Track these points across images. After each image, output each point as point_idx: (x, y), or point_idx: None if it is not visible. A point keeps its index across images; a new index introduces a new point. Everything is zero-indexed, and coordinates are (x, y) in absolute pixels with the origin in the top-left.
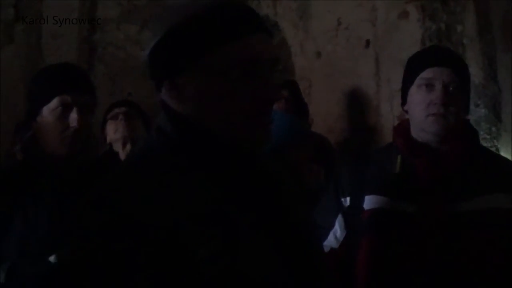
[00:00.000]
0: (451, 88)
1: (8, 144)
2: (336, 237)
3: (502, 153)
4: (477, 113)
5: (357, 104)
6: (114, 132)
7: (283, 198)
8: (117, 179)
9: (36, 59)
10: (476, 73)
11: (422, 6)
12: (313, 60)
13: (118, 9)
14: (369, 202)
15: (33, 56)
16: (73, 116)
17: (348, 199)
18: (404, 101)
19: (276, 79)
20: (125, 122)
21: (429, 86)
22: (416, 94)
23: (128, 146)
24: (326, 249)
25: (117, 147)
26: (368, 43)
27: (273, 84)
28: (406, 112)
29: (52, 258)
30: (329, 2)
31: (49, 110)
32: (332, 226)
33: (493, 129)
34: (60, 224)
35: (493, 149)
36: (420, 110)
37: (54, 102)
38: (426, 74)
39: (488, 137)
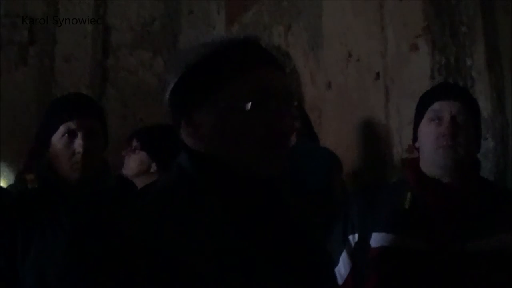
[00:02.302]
0: (459, 120)
1: (21, 166)
2: (340, 274)
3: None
4: (485, 146)
5: (367, 135)
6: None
7: (300, 233)
8: (136, 215)
9: (49, 82)
10: (484, 106)
11: (432, 39)
12: (323, 90)
13: (131, 35)
14: (376, 239)
15: (45, 78)
16: (78, 141)
17: (356, 235)
18: (415, 138)
19: (292, 113)
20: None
21: (438, 119)
22: (426, 128)
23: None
24: None
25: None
26: (378, 75)
27: (287, 117)
28: (417, 149)
29: None
30: (340, 34)
31: (57, 139)
32: (337, 263)
33: (501, 161)
34: (75, 247)
35: (501, 181)
36: (430, 144)
37: (60, 130)
38: (434, 107)
39: (496, 169)
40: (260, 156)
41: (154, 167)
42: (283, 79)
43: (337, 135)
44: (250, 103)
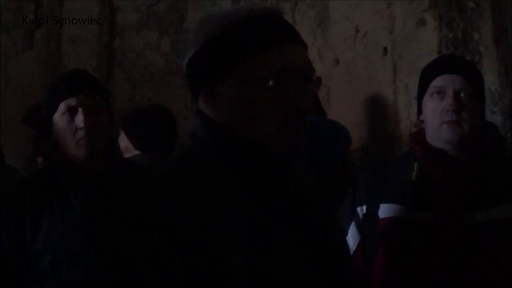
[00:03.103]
0: (462, 95)
1: (30, 150)
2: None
3: None
4: (493, 120)
5: (375, 111)
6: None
7: (313, 206)
8: (153, 186)
9: (56, 65)
10: (492, 80)
11: (439, 14)
12: (331, 67)
13: (137, 16)
14: (384, 210)
15: (53, 61)
16: (79, 117)
17: (364, 207)
18: (420, 111)
19: (311, 89)
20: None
21: (441, 94)
22: (429, 103)
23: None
24: None
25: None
26: (385, 51)
27: (307, 93)
28: (422, 122)
29: None
30: (347, 10)
31: (58, 117)
32: (346, 235)
33: (509, 135)
34: (85, 224)
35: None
36: (434, 119)
37: (61, 108)
38: (437, 82)
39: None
40: (278, 131)
41: (130, 144)
42: (305, 55)
43: (345, 112)
44: (274, 79)
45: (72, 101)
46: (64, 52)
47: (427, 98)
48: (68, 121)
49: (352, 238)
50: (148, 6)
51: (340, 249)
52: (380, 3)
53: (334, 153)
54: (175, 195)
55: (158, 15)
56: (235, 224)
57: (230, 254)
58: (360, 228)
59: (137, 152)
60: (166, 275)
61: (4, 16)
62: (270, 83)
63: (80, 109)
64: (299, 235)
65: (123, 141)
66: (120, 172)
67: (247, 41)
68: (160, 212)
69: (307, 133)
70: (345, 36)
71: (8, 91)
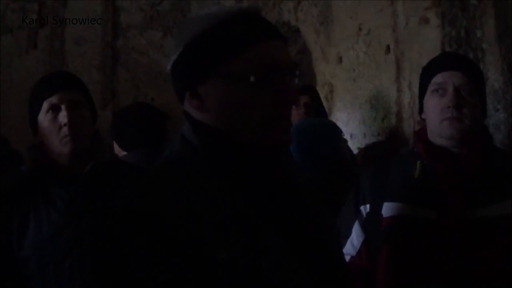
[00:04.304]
0: (463, 91)
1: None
2: (353, 245)
3: None
4: (496, 117)
5: (378, 109)
6: None
7: (304, 202)
8: (143, 185)
9: (59, 65)
10: (495, 77)
11: (442, 12)
12: (334, 65)
13: (140, 15)
14: (388, 209)
15: (56, 62)
16: (62, 113)
17: (368, 206)
18: (421, 109)
19: (295, 84)
20: None
21: (441, 90)
22: (430, 100)
23: None
24: (346, 258)
25: None
26: (388, 48)
27: (291, 88)
28: (424, 120)
29: None
30: (350, 8)
31: (42, 117)
32: (350, 234)
33: None
34: (70, 225)
35: None
36: (435, 116)
37: (44, 107)
38: (437, 79)
39: (507, 141)
40: (265, 128)
41: (116, 146)
42: (285, 50)
43: (348, 110)
44: (255, 76)
45: (54, 99)
46: (68, 52)
47: (427, 96)
48: (51, 119)
49: (356, 237)
50: (151, 6)
51: (331, 245)
52: (383, 1)
53: (329, 149)
54: (163, 193)
55: (161, 14)
56: (223, 221)
57: (217, 251)
58: (364, 227)
59: (124, 153)
60: (154, 271)
61: (8, 17)
62: (252, 79)
63: (62, 106)
64: (288, 231)
65: (115, 145)
66: (105, 170)
67: (226, 41)
68: (148, 209)
69: (298, 135)
70: (348, 34)
71: (11, 91)
